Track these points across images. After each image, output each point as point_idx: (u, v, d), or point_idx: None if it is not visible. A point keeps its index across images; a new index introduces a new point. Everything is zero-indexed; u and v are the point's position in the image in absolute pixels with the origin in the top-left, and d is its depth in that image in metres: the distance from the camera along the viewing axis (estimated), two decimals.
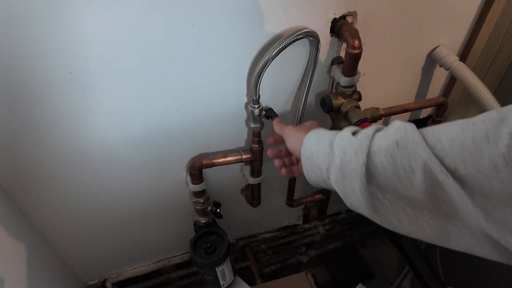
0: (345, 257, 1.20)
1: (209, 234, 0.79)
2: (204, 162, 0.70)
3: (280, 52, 0.56)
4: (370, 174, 0.40)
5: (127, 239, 0.84)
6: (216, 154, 0.72)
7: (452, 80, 0.83)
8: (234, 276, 0.85)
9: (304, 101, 0.68)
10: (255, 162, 0.73)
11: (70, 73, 0.52)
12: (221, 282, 0.80)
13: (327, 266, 1.19)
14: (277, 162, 0.59)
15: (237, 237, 1.02)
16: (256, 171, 0.75)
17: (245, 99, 0.67)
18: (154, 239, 0.88)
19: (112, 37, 0.51)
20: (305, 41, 0.60)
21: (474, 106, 0.85)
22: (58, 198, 0.68)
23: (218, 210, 0.76)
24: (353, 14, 0.61)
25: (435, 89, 0.85)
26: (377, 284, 1.18)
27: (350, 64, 0.60)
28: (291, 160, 0.59)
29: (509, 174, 0.28)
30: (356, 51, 0.58)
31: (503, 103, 0.59)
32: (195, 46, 0.56)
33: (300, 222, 1.09)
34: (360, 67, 0.62)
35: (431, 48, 0.75)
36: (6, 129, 0.55)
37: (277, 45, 0.56)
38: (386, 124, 0.65)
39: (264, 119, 0.66)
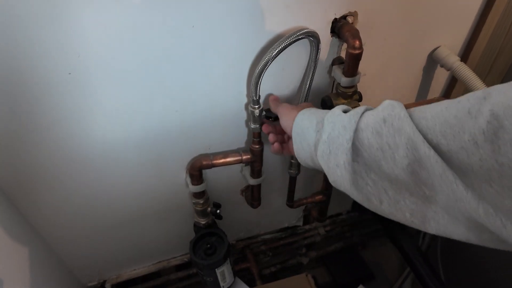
0: (346, 258, 1.20)
1: (209, 235, 0.79)
2: (204, 162, 0.70)
3: (280, 53, 0.56)
4: (356, 151, 0.41)
5: (126, 239, 0.84)
6: (216, 155, 0.71)
7: (453, 80, 0.83)
8: (234, 277, 0.84)
9: (305, 101, 0.68)
10: (255, 163, 0.73)
11: (70, 73, 0.52)
12: (221, 284, 0.80)
13: (327, 267, 1.19)
14: (271, 137, 0.61)
15: (237, 238, 1.02)
16: (256, 172, 0.75)
17: (245, 100, 0.67)
18: (153, 240, 0.88)
19: (112, 37, 0.51)
20: (305, 41, 0.60)
21: None
22: (58, 198, 0.68)
23: (218, 211, 0.76)
24: (354, 14, 0.61)
25: (436, 89, 0.85)
26: (377, 286, 1.17)
27: (350, 64, 0.60)
28: (284, 138, 0.61)
29: (488, 150, 0.29)
30: (357, 52, 0.58)
31: None
32: (195, 47, 0.56)
33: (301, 223, 1.09)
34: (361, 67, 0.62)
35: (432, 48, 0.75)
36: (6, 129, 0.55)
37: (277, 45, 0.56)
38: None
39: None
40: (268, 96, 0.67)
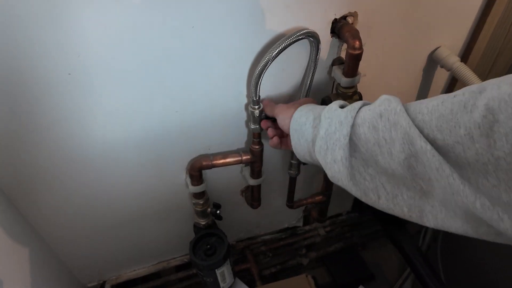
0: (346, 259, 1.19)
1: (209, 236, 0.78)
2: (204, 163, 0.70)
3: (280, 53, 0.56)
4: (353, 146, 0.41)
5: (126, 240, 0.84)
6: (216, 155, 0.71)
7: (453, 81, 0.83)
8: (234, 278, 0.84)
9: None
10: (255, 163, 0.73)
11: (70, 73, 0.52)
12: (221, 284, 0.80)
13: (327, 268, 1.19)
14: (270, 131, 0.62)
15: (237, 239, 1.02)
16: (256, 173, 0.75)
17: (245, 100, 0.67)
18: (153, 240, 0.88)
19: (112, 38, 0.51)
20: (305, 41, 0.60)
21: None
22: (58, 198, 0.68)
23: (218, 211, 0.76)
24: (354, 14, 0.61)
25: (436, 90, 0.85)
26: (377, 286, 1.17)
27: (350, 65, 0.60)
28: (283, 133, 0.61)
29: (484, 145, 0.29)
30: (357, 52, 0.58)
31: None
32: (195, 47, 0.56)
33: (301, 224, 1.08)
34: (361, 68, 0.62)
35: (432, 49, 0.75)
36: (6, 129, 0.55)
37: (277, 45, 0.56)
38: None
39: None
40: (268, 96, 0.67)
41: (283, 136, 0.62)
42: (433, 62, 0.77)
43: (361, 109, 0.41)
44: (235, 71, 0.62)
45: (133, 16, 0.50)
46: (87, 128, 0.60)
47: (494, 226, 0.30)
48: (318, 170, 0.91)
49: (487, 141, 0.29)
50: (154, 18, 0.51)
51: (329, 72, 0.69)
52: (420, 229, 1.14)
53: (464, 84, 0.72)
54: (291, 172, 0.80)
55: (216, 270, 0.75)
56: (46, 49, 0.49)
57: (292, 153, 0.77)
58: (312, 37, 0.58)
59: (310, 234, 1.09)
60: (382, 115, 0.38)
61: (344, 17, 0.61)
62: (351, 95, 0.65)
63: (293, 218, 1.05)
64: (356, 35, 0.58)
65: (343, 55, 0.66)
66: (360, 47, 0.58)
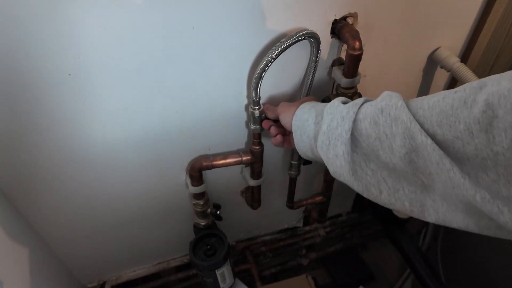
0: (346, 259, 1.19)
1: (209, 236, 0.78)
2: (204, 163, 0.70)
3: (280, 54, 0.56)
4: (355, 141, 0.41)
5: (126, 240, 0.84)
6: (216, 156, 0.71)
7: (453, 81, 0.83)
8: (234, 278, 0.84)
9: None
10: (255, 164, 0.73)
11: (70, 74, 0.52)
12: (221, 285, 0.80)
13: (327, 268, 1.19)
14: (273, 129, 0.62)
15: (237, 240, 1.02)
16: (256, 173, 0.75)
17: (245, 101, 0.67)
18: (153, 240, 0.88)
19: (112, 38, 0.51)
20: (305, 42, 0.60)
21: None
22: (58, 198, 0.68)
23: (218, 212, 0.76)
24: (354, 15, 0.61)
25: (436, 90, 0.84)
26: (378, 287, 1.17)
27: (350, 65, 0.60)
28: (285, 131, 0.61)
29: (483, 140, 0.29)
30: (357, 53, 0.58)
31: None
32: (195, 47, 0.56)
33: (301, 225, 1.08)
34: (361, 68, 0.62)
35: (432, 49, 0.75)
36: (6, 129, 0.55)
37: (277, 46, 0.56)
38: None
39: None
40: (268, 97, 0.67)
41: (286, 134, 0.62)
42: (433, 62, 0.77)
43: (363, 105, 0.42)
44: (235, 71, 0.62)
45: (133, 16, 0.50)
46: (87, 128, 0.60)
47: (494, 219, 0.30)
48: (318, 170, 0.91)
49: (486, 137, 0.29)
50: (154, 19, 0.51)
51: (329, 72, 0.69)
52: (420, 229, 1.14)
53: None
54: (291, 172, 0.80)
55: (216, 270, 0.75)
56: (47, 50, 0.49)
57: (293, 154, 0.77)
58: (313, 38, 0.58)
59: (310, 234, 1.09)
60: (383, 110, 0.38)
61: (344, 18, 0.61)
62: (351, 95, 0.65)
63: (293, 218, 1.05)
64: (356, 36, 0.58)
65: (343, 55, 0.66)
66: (360, 48, 0.58)
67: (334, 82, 0.70)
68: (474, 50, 0.76)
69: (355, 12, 0.61)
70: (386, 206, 0.42)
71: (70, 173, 0.65)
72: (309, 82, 0.65)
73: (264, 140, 0.70)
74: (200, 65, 0.59)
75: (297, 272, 1.14)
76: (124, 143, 0.64)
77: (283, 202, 0.89)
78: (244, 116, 0.69)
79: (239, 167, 0.80)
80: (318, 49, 0.60)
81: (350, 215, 1.13)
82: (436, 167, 0.33)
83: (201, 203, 0.77)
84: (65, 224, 0.74)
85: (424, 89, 0.83)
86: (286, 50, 0.56)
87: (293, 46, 0.57)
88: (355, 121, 0.41)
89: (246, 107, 0.68)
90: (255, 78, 0.59)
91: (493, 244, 0.86)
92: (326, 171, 0.84)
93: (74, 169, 0.65)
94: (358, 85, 0.65)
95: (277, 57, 0.56)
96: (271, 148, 0.74)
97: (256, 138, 0.68)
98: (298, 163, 0.78)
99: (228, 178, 0.81)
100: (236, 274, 0.85)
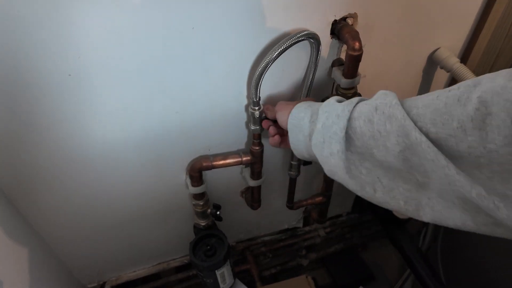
0: (346, 260, 1.19)
1: (208, 236, 0.78)
2: (204, 164, 0.70)
3: (281, 54, 0.56)
4: (349, 140, 0.41)
5: (126, 240, 0.84)
6: (216, 156, 0.71)
7: (453, 82, 0.83)
8: (234, 279, 0.84)
9: None
10: (255, 165, 0.73)
11: (70, 74, 0.52)
12: (221, 285, 0.80)
13: (327, 269, 1.19)
14: (271, 129, 0.62)
15: (237, 240, 1.02)
16: (256, 174, 0.75)
17: (245, 101, 0.67)
18: (153, 241, 0.88)
19: (112, 39, 0.51)
20: (305, 43, 0.60)
21: None
22: (58, 198, 0.68)
23: (218, 212, 0.76)
24: (354, 16, 0.61)
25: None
26: (378, 287, 1.17)
27: (350, 66, 0.60)
28: (284, 131, 0.61)
29: (476, 137, 0.29)
30: (357, 53, 0.58)
31: None
32: (195, 48, 0.56)
33: (301, 225, 1.08)
34: (361, 69, 0.62)
35: (432, 50, 0.75)
36: (6, 129, 0.55)
37: (277, 46, 0.56)
38: None
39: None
40: (268, 97, 0.67)
41: (284, 135, 0.62)
42: (433, 63, 0.77)
43: (359, 103, 0.42)
44: (235, 72, 0.62)
45: (133, 17, 0.50)
46: (87, 128, 0.60)
47: (491, 214, 0.30)
48: (318, 171, 0.91)
49: (480, 134, 0.29)
50: (154, 19, 0.51)
51: (329, 73, 0.69)
52: (420, 229, 1.14)
53: None
54: (291, 173, 0.80)
55: (216, 271, 0.75)
56: (47, 50, 0.49)
57: (292, 154, 0.77)
58: (313, 38, 0.58)
59: (310, 235, 1.09)
60: (378, 108, 0.38)
61: (344, 19, 0.61)
62: (351, 96, 0.65)
63: (293, 219, 1.05)
64: (356, 36, 0.58)
65: (343, 56, 0.66)
66: (360, 49, 0.58)
67: (334, 83, 0.70)
68: (474, 50, 0.76)
69: (355, 13, 0.61)
70: (381, 205, 0.42)
71: (70, 173, 0.65)
72: (309, 83, 0.65)
73: (264, 141, 0.70)
74: (200, 66, 0.59)
75: (297, 273, 1.14)
76: (124, 143, 0.64)
77: (283, 203, 0.89)
78: (244, 116, 0.69)
79: (239, 167, 0.80)
80: (318, 50, 0.60)
81: (350, 215, 1.13)
82: (432, 164, 0.33)
83: (201, 203, 0.77)
84: (65, 224, 0.74)
85: (424, 90, 0.83)
86: (286, 51, 0.56)
87: (293, 46, 0.57)
88: (350, 119, 0.41)
89: (246, 107, 0.68)
90: (255, 79, 0.59)
91: (493, 244, 0.86)
92: None
93: (74, 169, 0.65)
94: (358, 86, 0.65)
95: (277, 58, 0.56)
96: (271, 149, 0.74)
97: (256, 138, 0.69)
98: (298, 163, 0.78)
99: (228, 179, 0.81)
100: (236, 275, 0.85)
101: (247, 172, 0.78)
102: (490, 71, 0.79)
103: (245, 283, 0.86)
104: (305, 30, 0.57)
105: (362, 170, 0.41)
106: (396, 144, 0.36)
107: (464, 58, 0.79)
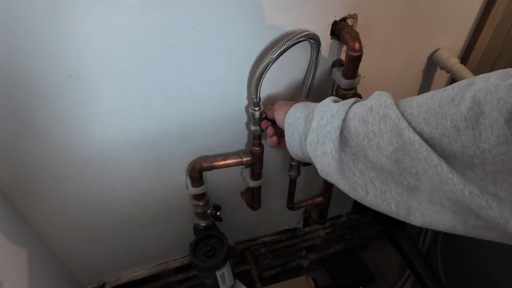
0: (346, 260, 1.19)
1: (209, 237, 0.78)
2: (204, 164, 0.70)
3: (281, 55, 0.56)
4: (344, 140, 0.41)
5: (126, 241, 0.84)
6: (216, 157, 0.71)
7: (453, 82, 0.83)
8: (234, 279, 0.84)
9: None
10: (256, 165, 0.73)
11: (70, 75, 0.52)
12: (221, 286, 0.80)
13: (327, 269, 1.19)
14: (269, 130, 0.62)
15: (237, 241, 1.02)
16: (256, 174, 0.75)
17: (245, 102, 0.67)
18: (153, 241, 0.88)
19: (112, 39, 0.51)
20: (305, 43, 0.60)
21: None
22: (58, 198, 0.68)
23: (218, 213, 0.76)
24: (354, 16, 0.61)
25: None
26: None
27: (350, 66, 0.60)
28: (282, 132, 0.61)
29: (470, 137, 0.29)
30: (357, 54, 0.58)
31: None
32: (195, 49, 0.56)
33: (301, 226, 1.08)
34: (361, 69, 0.62)
35: (431, 50, 0.75)
36: (6, 129, 0.55)
37: (278, 47, 0.56)
38: None
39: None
40: (269, 98, 0.67)
41: (282, 136, 0.62)
42: (433, 63, 0.77)
43: (354, 104, 0.42)
44: (235, 72, 0.62)
45: (134, 18, 0.50)
46: (87, 128, 0.60)
47: (483, 214, 0.30)
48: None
49: (473, 133, 0.29)
50: (154, 20, 0.51)
51: (329, 73, 0.69)
52: (420, 230, 1.14)
53: None
54: (291, 173, 0.79)
55: (216, 271, 0.75)
56: (48, 51, 0.49)
57: None
58: (313, 39, 0.58)
59: (310, 235, 1.09)
60: (373, 108, 0.38)
61: (344, 19, 0.61)
62: (351, 96, 0.65)
63: (293, 219, 1.05)
64: (356, 37, 0.58)
65: (343, 57, 0.66)
66: (360, 49, 0.58)
67: (334, 83, 0.70)
68: (474, 51, 0.76)
69: (355, 13, 0.61)
70: (372, 207, 0.41)
71: (70, 173, 0.65)
72: (309, 83, 0.65)
73: (264, 141, 0.70)
74: (200, 66, 0.59)
75: (297, 273, 1.14)
76: (124, 143, 0.64)
77: (283, 203, 0.89)
78: (244, 117, 0.70)
79: (239, 168, 0.80)
80: (318, 50, 0.60)
81: (350, 216, 1.13)
82: (424, 163, 0.33)
83: (201, 204, 0.77)
84: (65, 224, 0.74)
85: (424, 91, 0.83)
86: (287, 52, 0.57)
87: (293, 47, 0.57)
88: (345, 119, 0.41)
89: (246, 108, 0.68)
90: (255, 79, 0.59)
91: (493, 244, 0.86)
92: None
93: (74, 169, 0.65)
94: (358, 87, 0.65)
95: (277, 58, 0.57)
96: (271, 149, 0.74)
97: (256, 139, 0.69)
98: (298, 164, 0.78)
99: (228, 179, 0.81)
100: (236, 275, 0.85)
101: (247, 172, 0.78)
102: (490, 72, 0.79)
103: (245, 284, 0.86)
104: (305, 31, 0.57)
105: (355, 171, 0.41)
106: (389, 144, 0.36)
107: (464, 58, 0.79)
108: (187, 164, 0.73)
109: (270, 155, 0.78)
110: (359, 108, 0.40)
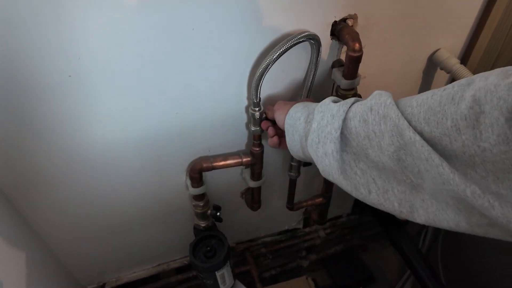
0: (346, 261, 1.19)
1: (209, 237, 0.78)
2: (204, 165, 0.70)
3: (281, 55, 0.56)
4: (345, 140, 0.41)
5: (126, 241, 0.84)
6: (216, 157, 0.71)
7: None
8: (234, 280, 0.84)
9: None
10: (256, 165, 0.73)
11: (70, 75, 0.52)
12: (221, 287, 0.80)
13: (327, 270, 1.19)
14: (270, 130, 0.62)
15: (237, 241, 1.02)
16: (256, 175, 0.75)
17: (245, 102, 0.67)
18: (153, 242, 0.88)
19: (112, 40, 0.51)
20: (305, 44, 0.60)
21: None
22: (58, 198, 0.68)
23: (218, 213, 0.76)
24: (354, 17, 0.61)
25: None
26: None
27: (350, 67, 0.60)
28: (283, 133, 0.61)
29: (470, 136, 0.29)
30: (357, 54, 0.58)
31: None
32: (195, 49, 0.56)
33: (301, 226, 1.08)
34: (361, 70, 0.62)
35: (431, 51, 0.75)
36: (7, 129, 0.55)
37: (278, 48, 0.56)
38: None
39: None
40: (269, 98, 0.67)
41: (283, 136, 0.62)
42: (432, 64, 0.77)
43: (354, 104, 0.42)
44: (235, 73, 0.62)
45: (134, 18, 0.50)
46: (87, 129, 0.60)
47: (485, 213, 0.30)
48: (318, 172, 0.90)
49: (473, 133, 0.29)
50: (154, 20, 0.51)
51: (329, 74, 0.69)
52: (420, 231, 1.14)
53: None
54: (291, 174, 0.79)
55: (216, 272, 0.75)
56: (48, 51, 0.49)
57: None
58: (313, 40, 0.58)
59: (310, 236, 1.09)
60: (373, 108, 0.38)
61: (344, 20, 0.61)
62: (351, 97, 0.64)
63: (293, 220, 1.05)
64: (356, 37, 0.58)
65: (343, 57, 0.66)
66: (360, 50, 0.58)
67: (334, 84, 0.70)
68: (475, 51, 0.76)
69: (355, 14, 0.61)
70: (375, 206, 0.41)
71: (70, 173, 0.65)
72: (309, 84, 0.65)
73: (264, 142, 0.70)
74: (200, 66, 0.59)
75: (297, 274, 1.14)
76: (124, 143, 0.64)
77: (283, 204, 0.89)
78: (244, 117, 0.70)
79: (239, 168, 0.80)
80: (318, 51, 0.60)
81: (350, 216, 1.13)
82: (425, 163, 0.33)
83: (201, 204, 0.77)
84: (65, 224, 0.74)
85: (424, 91, 0.82)
86: (287, 52, 0.57)
87: (293, 48, 0.57)
88: (345, 119, 0.41)
89: (247, 108, 0.68)
90: (255, 80, 0.59)
91: (493, 244, 0.86)
92: None
93: (74, 169, 0.65)
94: (358, 87, 0.65)
95: (277, 59, 0.57)
96: (271, 150, 0.74)
97: (256, 139, 0.69)
98: (298, 164, 0.78)
99: (228, 180, 0.81)
100: (236, 276, 0.85)
101: (247, 173, 0.78)
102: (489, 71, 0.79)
103: (245, 284, 0.86)
104: (306, 31, 0.57)
105: (356, 171, 0.41)
106: (390, 144, 0.36)
107: (464, 58, 0.79)
108: (187, 164, 0.73)
109: (270, 156, 0.78)
110: (359, 108, 0.40)
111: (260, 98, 0.62)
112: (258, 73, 0.58)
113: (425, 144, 0.32)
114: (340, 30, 0.60)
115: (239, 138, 0.73)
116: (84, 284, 0.89)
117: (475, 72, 0.75)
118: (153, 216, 0.81)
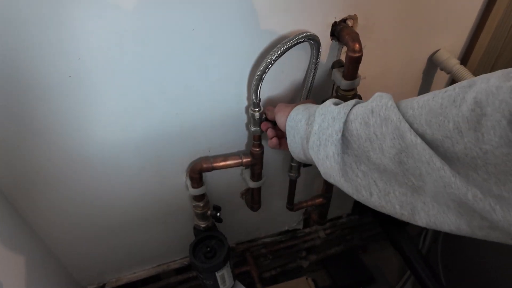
0: (346, 261, 1.19)
1: (209, 238, 0.78)
2: (204, 165, 0.70)
3: (281, 56, 0.56)
4: (346, 142, 0.41)
5: (126, 242, 0.84)
6: (216, 158, 0.71)
7: (453, 83, 0.83)
8: (234, 280, 0.84)
9: None
10: (256, 166, 0.73)
11: (70, 76, 0.52)
12: (221, 287, 0.80)
13: (327, 270, 1.19)
14: (270, 131, 0.62)
15: (237, 241, 1.02)
16: (256, 175, 0.75)
17: (245, 103, 0.67)
18: (153, 242, 0.88)
19: (112, 40, 0.51)
20: (305, 44, 0.60)
21: None
22: (58, 199, 0.68)
23: (218, 214, 0.76)
24: (354, 17, 0.61)
25: None
26: None
27: (350, 67, 0.60)
28: (283, 133, 0.61)
29: (472, 138, 0.29)
30: (357, 55, 0.58)
31: None
32: (195, 49, 0.56)
33: (301, 227, 1.08)
34: (361, 70, 0.62)
35: (431, 51, 0.75)
36: (7, 130, 0.55)
37: (278, 48, 0.56)
38: None
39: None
40: (269, 99, 0.67)
41: (283, 137, 0.62)
42: (432, 64, 0.77)
43: (355, 106, 0.42)
44: (235, 73, 0.62)
45: (134, 19, 0.50)
46: (87, 129, 0.60)
47: (486, 217, 0.30)
48: (318, 172, 0.90)
49: (475, 135, 0.29)
50: (154, 20, 0.51)
51: (329, 74, 0.69)
52: (420, 231, 1.14)
53: None
54: (291, 174, 0.79)
55: (216, 272, 0.75)
56: (48, 52, 0.49)
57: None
58: (313, 40, 0.58)
59: (310, 236, 1.09)
60: (374, 110, 0.38)
61: (344, 20, 0.61)
62: (351, 97, 0.65)
63: (293, 220, 1.05)
64: (356, 38, 0.58)
65: (342, 57, 0.66)
66: (360, 50, 0.58)
67: (334, 84, 0.70)
68: (475, 51, 0.76)
69: (355, 14, 0.61)
70: (376, 209, 0.41)
71: (70, 174, 0.65)
72: (309, 84, 0.65)
73: (264, 142, 0.70)
74: (200, 67, 0.59)
75: (297, 274, 1.14)
76: (124, 144, 0.64)
77: (283, 204, 0.89)
78: (244, 118, 0.70)
79: (239, 169, 0.80)
80: (318, 51, 0.60)
81: (350, 217, 1.13)
82: (427, 166, 0.33)
83: (201, 205, 0.77)
84: (65, 224, 0.74)
85: (424, 91, 0.83)
86: (286, 52, 0.57)
87: (293, 48, 0.57)
88: (346, 122, 0.41)
89: (246, 109, 0.68)
90: (255, 80, 0.59)
91: (493, 245, 0.86)
92: None
93: (74, 170, 0.65)
94: (358, 87, 0.65)
95: (277, 59, 0.57)
96: (271, 150, 0.74)
97: (256, 140, 0.69)
98: (298, 165, 0.78)
99: (228, 180, 0.81)
100: (236, 276, 0.85)
101: (247, 173, 0.78)
102: (490, 72, 0.79)
103: (245, 285, 0.86)
104: (305, 32, 0.57)
105: (358, 173, 0.41)
106: (391, 146, 0.36)
107: (464, 59, 0.79)
108: (187, 164, 0.73)
109: (270, 156, 0.78)
110: (360, 110, 0.40)
111: (260, 98, 0.62)
112: (258, 74, 0.58)
113: (426, 147, 0.32)
114: (340, 31, 0.60)
115: (239, 139, 0.73)
116: (84, 284, 0.89)
117: (475, 72, 0.75)
118: (153, 216, 0.81)
